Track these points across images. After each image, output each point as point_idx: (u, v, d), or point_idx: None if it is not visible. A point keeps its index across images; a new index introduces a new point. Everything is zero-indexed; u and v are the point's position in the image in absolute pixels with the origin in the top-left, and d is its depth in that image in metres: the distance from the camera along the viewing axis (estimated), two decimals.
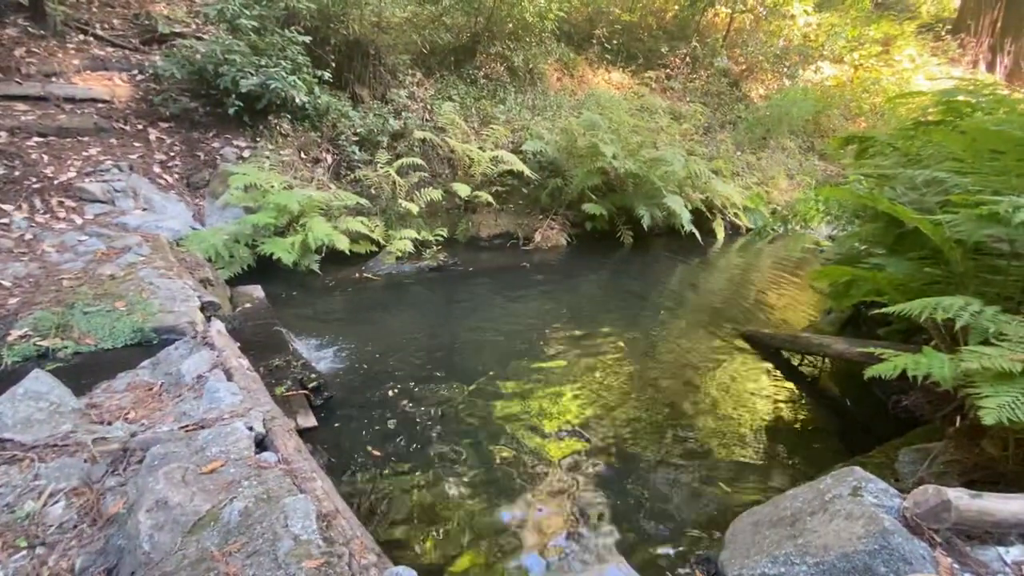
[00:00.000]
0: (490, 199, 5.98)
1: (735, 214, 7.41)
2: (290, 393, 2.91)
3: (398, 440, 2.86)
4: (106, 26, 5.93)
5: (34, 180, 4.13)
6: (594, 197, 6.40)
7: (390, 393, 3.27)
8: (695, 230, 6.46)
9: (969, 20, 11.77)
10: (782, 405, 3.53)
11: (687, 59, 9.83)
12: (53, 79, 5.06)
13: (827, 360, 3.91)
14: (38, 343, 2.80)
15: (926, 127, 3.51)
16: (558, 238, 6.36)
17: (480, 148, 6.21)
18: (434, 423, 3.03)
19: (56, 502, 1.73)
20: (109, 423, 2.11)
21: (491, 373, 3.58)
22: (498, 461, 2.76)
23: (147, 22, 6.14)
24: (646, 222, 6.20)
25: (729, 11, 10.10)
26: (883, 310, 2.51)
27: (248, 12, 5.09)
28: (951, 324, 2.31)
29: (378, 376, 3.42)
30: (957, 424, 2.32)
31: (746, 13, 10.47)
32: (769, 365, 3.99)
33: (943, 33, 11.92)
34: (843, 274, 3.36)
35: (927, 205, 2.89)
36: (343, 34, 6.29)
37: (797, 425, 3.37)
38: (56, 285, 3.27)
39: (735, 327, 4.58)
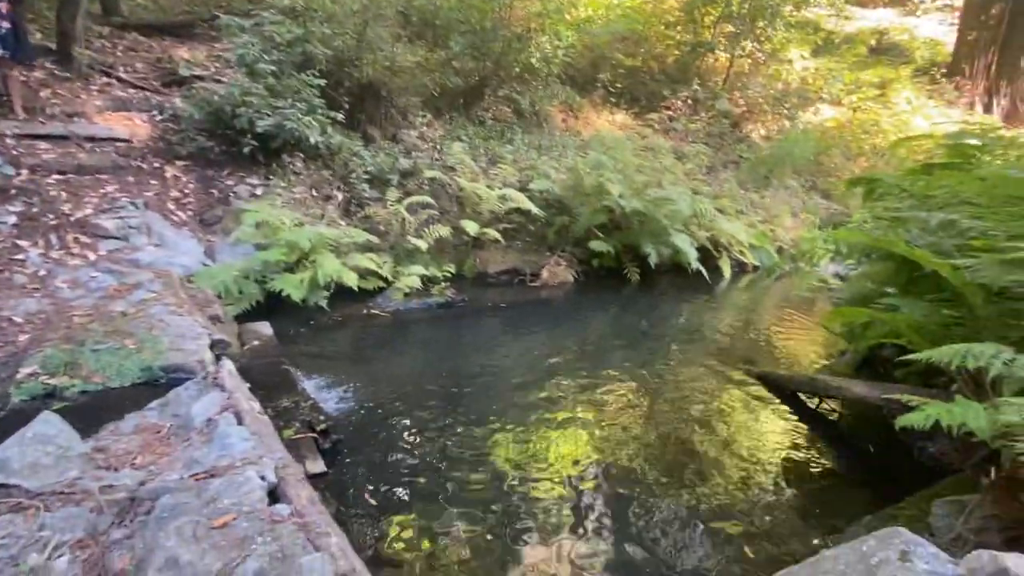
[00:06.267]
0: (498, 236, 6.02)
1: (741, 252, 7.43)
2: (298, 436, 2.84)
3: (408, 486, 2.77)
4: (129, 69, 6.13)
5: (51, 217, 4.17)
6: (600, 235, 6.44)
7: (399, 435, 3.19)
8: (702, 268, 6.47)
9: (963, 64, 12.12)
10: (802, 450, 3.43)
11: (689, 101, 10.09)
12: (75, 119, 5.19)
13: (845, 402, 3.83)
14: (46, 381, 2.76)
15: (937, 170, 3.55)
16: (565, 274, 6.37)
17: (488, 186, 6.29)
18: (444, 467, 2.94)
19: (60, 555, 1.65)
20: (116, 469, 2.05)
21: (501, 413, 3.50)
22: (511, 506, 2.67)
23: (168, 66, 6.36)
24: (653, 260, 6.22)
25: (728, 56, 10.43)
26: (909, 356, 2.46)
27: (267, 57, 5.26)
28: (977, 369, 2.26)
29: (387, 417, 3.35)
30: (992, 476, 2.23)
31: (745, 58, 10.81)
32: (785, 408, 3.90)
33: (938, 76, 12.24)
34: (860, 315, 3.33)
35: (944, 248, 2.88)
36: (356, 77, 6.47)
37: (819, 472, 3.26)
38: (67, 322, 3.25)
39: (747, 367, 4.51)
